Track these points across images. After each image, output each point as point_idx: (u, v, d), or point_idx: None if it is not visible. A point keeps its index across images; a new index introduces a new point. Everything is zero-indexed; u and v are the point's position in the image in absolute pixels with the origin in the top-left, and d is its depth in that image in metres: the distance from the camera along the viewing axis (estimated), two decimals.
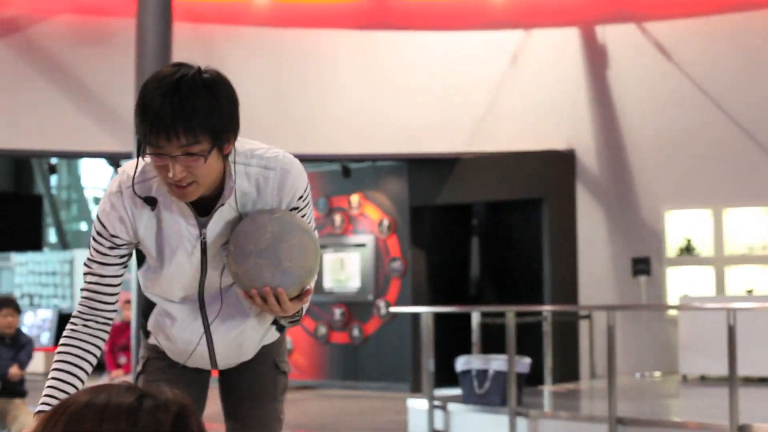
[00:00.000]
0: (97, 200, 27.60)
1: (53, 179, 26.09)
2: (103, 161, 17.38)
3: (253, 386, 3.58)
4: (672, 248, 14.24)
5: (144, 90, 3.00)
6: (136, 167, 3.21)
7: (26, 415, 9.04)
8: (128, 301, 15.02)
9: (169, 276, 3.32)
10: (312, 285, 3.29)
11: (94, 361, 3.31)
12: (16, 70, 14.14)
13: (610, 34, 14.67)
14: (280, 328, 3.58)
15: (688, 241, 14.16)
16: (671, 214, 14.24)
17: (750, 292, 13.14)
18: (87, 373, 3.28)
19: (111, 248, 3.27)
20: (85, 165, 28.46)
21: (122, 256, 3.30)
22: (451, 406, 10.63)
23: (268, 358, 3.60)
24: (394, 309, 13.11)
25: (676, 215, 14.25)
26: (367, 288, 15.92)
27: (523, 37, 14.87)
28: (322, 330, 16.25)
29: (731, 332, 8.77)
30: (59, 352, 3.26)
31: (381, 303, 15.73)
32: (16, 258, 22.82)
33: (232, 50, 14.45)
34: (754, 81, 13.93)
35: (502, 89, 14.86)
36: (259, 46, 14.61)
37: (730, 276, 13.95)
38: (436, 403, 10.74)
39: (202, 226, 3.22)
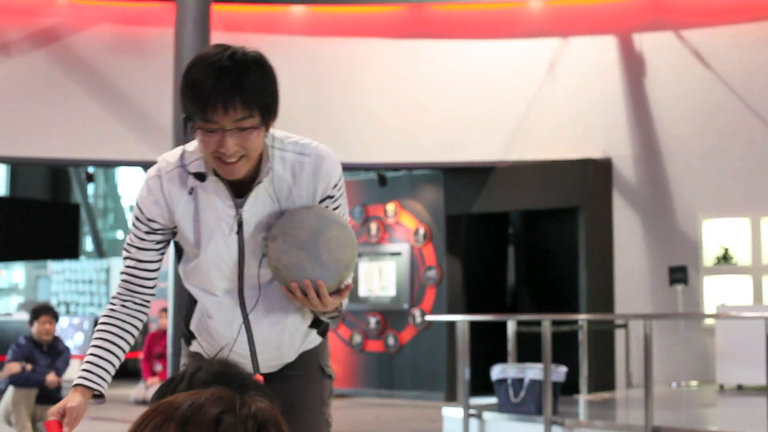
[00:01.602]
0: (133, 209, 27.78)
1: (90, 188, 26.26)
2: (140, 170, 17.48)
3: (301, 392, 3.53)
4: (709, 257, 14.17)
5: (193, 68, 3.09)
6: (183, 153, 3.33)
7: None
8: (164, 309, 15.09)
9: (207, 261, 3.33)
10: (350, 281, 3.33)
11: (132, 341, 3.41)
12: (55, 79, 14.26)
13: (647, 42, 14.63)
14: (323, 333, 3.59)
15: (726, 249, 14.09)
16: (708, 223, 14.17)
17: None
18: (124, 351, 3.39)
19: (148, 233, 3.36)
20: (122, 173, 28.62)
21: (159, 242, 3.39)
22: (487, 415, 10.62)
23: (314, 363, 3.57)
24: (429, 317, 13.12)
25: (713, 224, 14.18)
26: (402, 296, 15.92)
27: (560, 45, 14.85)
28: (357, 338, 16.27)
29: None
30: (98, 330, 3.36)
31: (416, 311, 15.73)
32: (53, 266, 22.98)
33: (268, 59, 14.49)
34: None
35: (538, 97, 14.84)
36: (295, 55, 14.66)
37: (767, 285, 13.86)
38: (472, 411, 10.74)
39: (239, 206, 3.27)
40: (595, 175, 14.59)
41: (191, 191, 3.28)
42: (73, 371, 20.07)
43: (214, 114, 3.03)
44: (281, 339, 3.45)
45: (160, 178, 3.31)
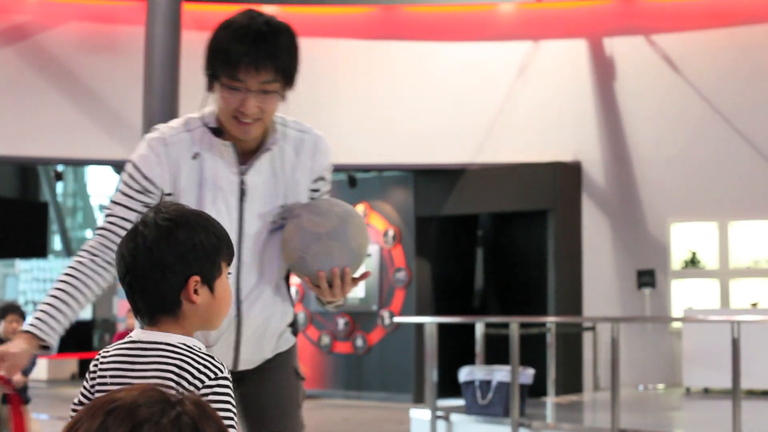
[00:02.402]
0: (102, 208, 27.63)
1: (59, 186, 26.14)
2: (109, 169, 17.42)
3: (278, 395, 3.50)
4: (677, 261, 14.24)
5: (227, 28, 3.25)
6: (187, 120, 3.38)
7: (29, 422, 9.06)
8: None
9: None
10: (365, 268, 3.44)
11: (92, 298, 3.28)
12: (24, 77, 14.20)
13: (617, 47, 14.70)
14: (295, 333, 3.59)
15: (693, 253, 14.17)
16: (676, 227, 14.25)
17: (755, 305, 13.14)
18: (81, 306, 3.26)
19: (139, 192, 3.26)
20: (92, 172, 28.52)
21: (145, 206, 3.22)
22: (454, 417, 10.63)
23: (288, 365, 3.55)
24: (398, 319, 13.12)
25: (681, 228, 14.26)
26: (371, 298, 15.93)
27: (532, 48, 14.90)
28: (326, 340, 16.26)
29: (735, 345, 8.77)
30: (59, 280, 3.24)
31: (385, 313, 15.75)
32: (21, 265, 22.85)
33: None
34: (761, 94, 13.94)
35: (509, 100, 14.88)
36: None
37: (734, 289, 13.95)
38: (439, 413, 10.75)
39: (242, 173, 3.31)
40: (565, 178, 14.64)
41: (195, 156, 3.28)
42: (41, 371, 19.88)
43: (246, 74, 3.14)
44: (266, 329, 3.39)
45: (165, 141, 3.29)
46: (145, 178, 3.25)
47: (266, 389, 3.47)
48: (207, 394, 2.21)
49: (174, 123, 3.35)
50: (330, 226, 3.27)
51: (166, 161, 3.26)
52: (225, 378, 2.27)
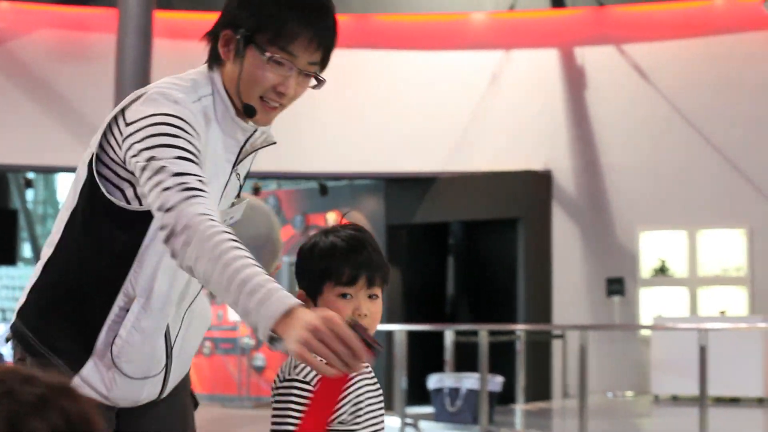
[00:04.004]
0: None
1: (29, 194, 26.03)
2: None
3: (184, 421, 2.96)
4: (646, 269, 14.33)
5: None
6: (193, 83, 2.67)
7: None
8: None
9: None
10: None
11: None
12: None
13: (589, 56, 14.78)
14: None
15: (663, 262, 14.26)
16: (646, 235, 14.34)
17: (723, 313, 13.23)
18: None
19: (197, 150, 2.52)
20: (62, 180, 28.40)
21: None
22: (423, 424, 10.67)
23: (188, 388, 3.02)
24: None
25: (650, 236, 14.35)
26: None
27: (503, 57, 14.97)
28: None
29: (703, 353, 8.85)
30: (243, 254, 2.28)
31: None
32: None
33: None
34: (730, 103, 14.05)
35: (480, 109, 14.94)
36: None
37: (703, 297, 14.05)
38: (408, 420, 10.78)
39: (234, 164, 2.75)
40: (535, 186, 14.71)
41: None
42: None
43: (301, 49, 2.61)
44: (198, 340, 2.96)
45: (186, 105, 2.59)
46: (196, 131, 2.54)
47: (174, 415, 2.92)
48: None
49: (180, 83, 2.64)
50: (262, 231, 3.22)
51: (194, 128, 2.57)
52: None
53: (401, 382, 10.73)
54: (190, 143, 2.49)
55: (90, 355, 2.65)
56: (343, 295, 2.57)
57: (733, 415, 11.36)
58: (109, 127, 2.62)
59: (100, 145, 2.64)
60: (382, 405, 2.70)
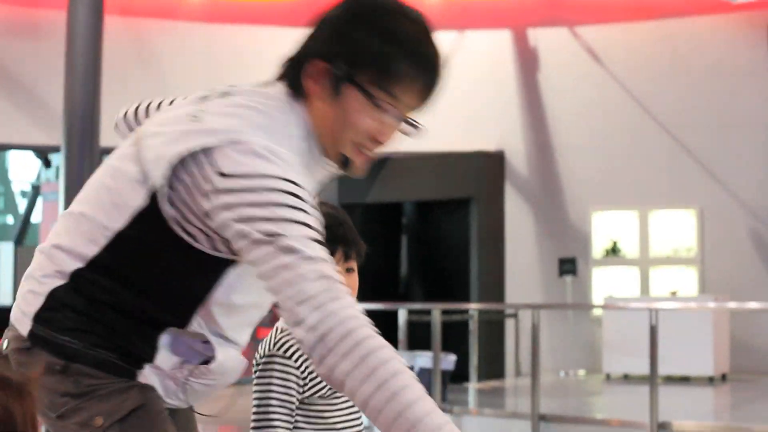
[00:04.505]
0: (24, 193, 27.25)
1: None
2: (30, 154, 17.24)
3: (194, 424, 2.75)
4: (598, 249, 14.43)
5: (413, 26, 2.40)
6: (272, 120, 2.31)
7: None
8: None
9: None
10: None
11: None
12: None
13: (541, 38, 14.82)
14: None
15: (614, 242, 14.36)
16: (598, 216, 14.43)
17: (674, 293, 13.34)
18: None
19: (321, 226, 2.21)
20: (13, 158, 28.17)
21: None
22: None
23: None
24: None
25: (602, 217, 14.44)
26: None
27: (456, 38, 14.97)
28: None
29: (653, 332, 8.91)
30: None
31: None
32: None
33: (164, 45, 14.40)
34: (681, 86, 14.15)
35: None
36: (192, 42, 14.56)
37: (654, 277, 14.17)
38: None
39: None
40: (488, 167, 14.75)
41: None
42: None
43: (414, 97, 2.36)
44: None
45: (294, 165, 2.23)
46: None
47: (191, 420, 2.73)
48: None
49: (271, 123, 2.28)
50: None
51: None
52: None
53: None
54: (314, 218, 2.16)
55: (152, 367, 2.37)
56: (350, 270, 2.72)
57: (683, 394, 11.47)
58: (183, 164, 2.20)
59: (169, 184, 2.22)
60: None
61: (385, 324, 13.52)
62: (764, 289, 13.36)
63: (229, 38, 14.75)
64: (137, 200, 2.26)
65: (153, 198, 2.24)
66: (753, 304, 11.53)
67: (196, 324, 2.36)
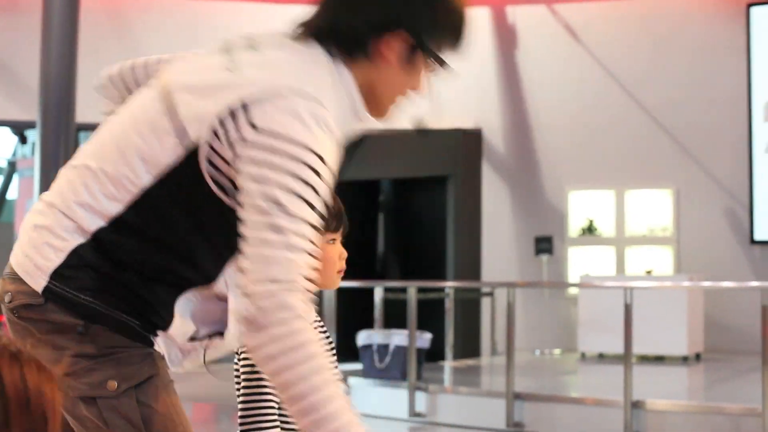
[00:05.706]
0: (0, 169, 27.13)
1: None
2: (6, 130, 17.14)
3: None
4: (574, 228, 14.46)
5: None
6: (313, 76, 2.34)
7: None
8: None
9: None
10: None
11: None
12: None
13: (520, 15, 14.81)
14: None
15: (591, 221, 14.39)
16: (574, 195, 14.46)
17: (649, 272, 13.39)
18: None
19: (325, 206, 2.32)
20: None
21: None
22: (352, 380, 10.71)
23: None
24: None
25: (579, 196, 14.47)
26: None
27: None
28: None
29: (628, 311, 8.95)
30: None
31: None
32: None
33: (141, 20, 14.32)
34: (660, 65, 14.16)
35: None
36: (170, 17, 14.48)
37: (630, 256, 14.21)
38: None
39: None
40: (466, 145, 14.74)
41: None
42: None
43: (449, 55, 2.57)
44: None
45: (333, 130, 2.35)
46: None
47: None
48: None
49: (318, 82, 2.32)
50: None
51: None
52: None
53: (330, 338, 10.74)
54: (322, 199, 2.25)
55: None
56: (332, 241, 3.01)
57: (657, 373, 11.52)
58: (220, 119, 2.20)
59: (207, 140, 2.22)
60: (335, 355, 2.81)
61: (362, 302, 13.60)
62: (739, 269, 13.43)
63: (209, 15, 14.68)
64: (170, 156, 2.24)
65: (189, 154, 2.23)
66: (727, 284, 11.59)
67: (222, 282, 2.35)
